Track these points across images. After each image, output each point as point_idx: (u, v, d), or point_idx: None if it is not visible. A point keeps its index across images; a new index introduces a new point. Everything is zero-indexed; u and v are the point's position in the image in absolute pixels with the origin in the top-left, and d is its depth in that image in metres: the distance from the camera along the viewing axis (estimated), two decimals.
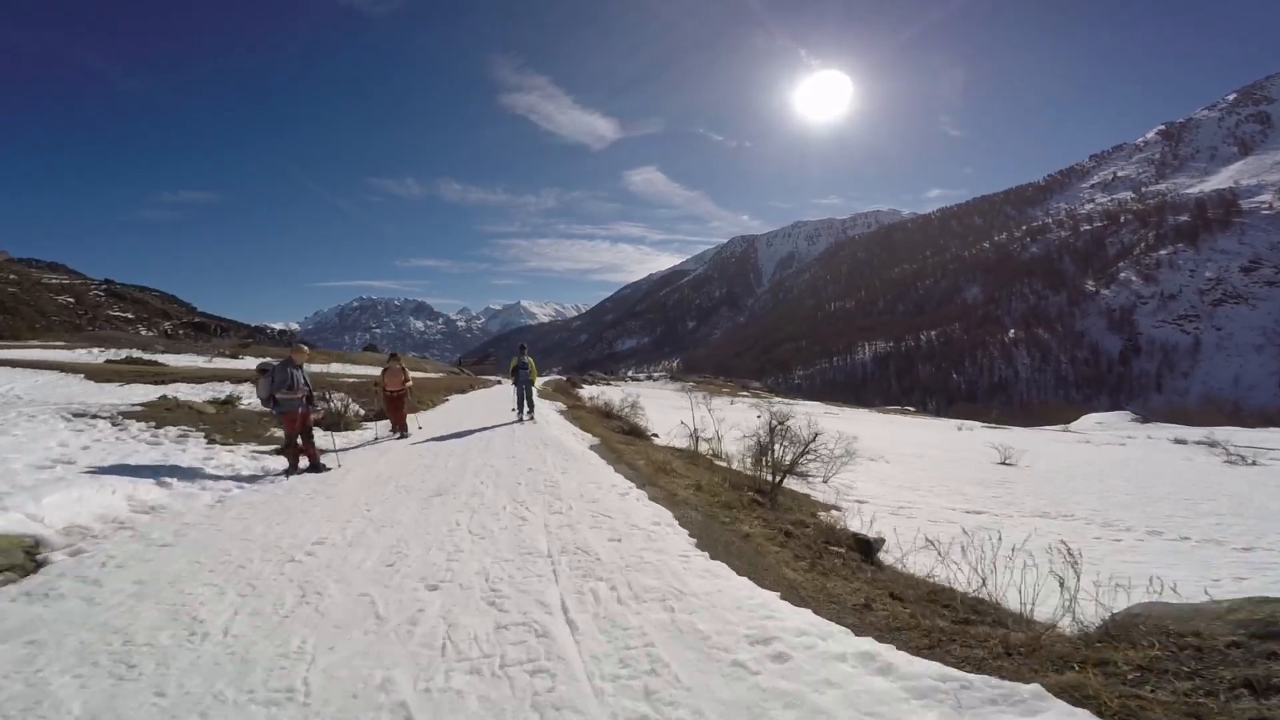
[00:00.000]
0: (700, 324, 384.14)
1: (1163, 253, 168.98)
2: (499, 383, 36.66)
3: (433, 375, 41.77)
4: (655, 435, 15.73)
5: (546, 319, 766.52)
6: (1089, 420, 43.79)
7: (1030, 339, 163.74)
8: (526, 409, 14.12)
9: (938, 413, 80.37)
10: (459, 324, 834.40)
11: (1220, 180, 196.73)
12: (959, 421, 40.78)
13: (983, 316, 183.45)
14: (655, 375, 76.42)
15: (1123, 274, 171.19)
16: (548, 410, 16.74)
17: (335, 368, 34.59)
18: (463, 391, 26.25)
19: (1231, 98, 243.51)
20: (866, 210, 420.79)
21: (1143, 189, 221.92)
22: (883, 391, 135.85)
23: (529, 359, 14.39)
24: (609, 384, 55.46)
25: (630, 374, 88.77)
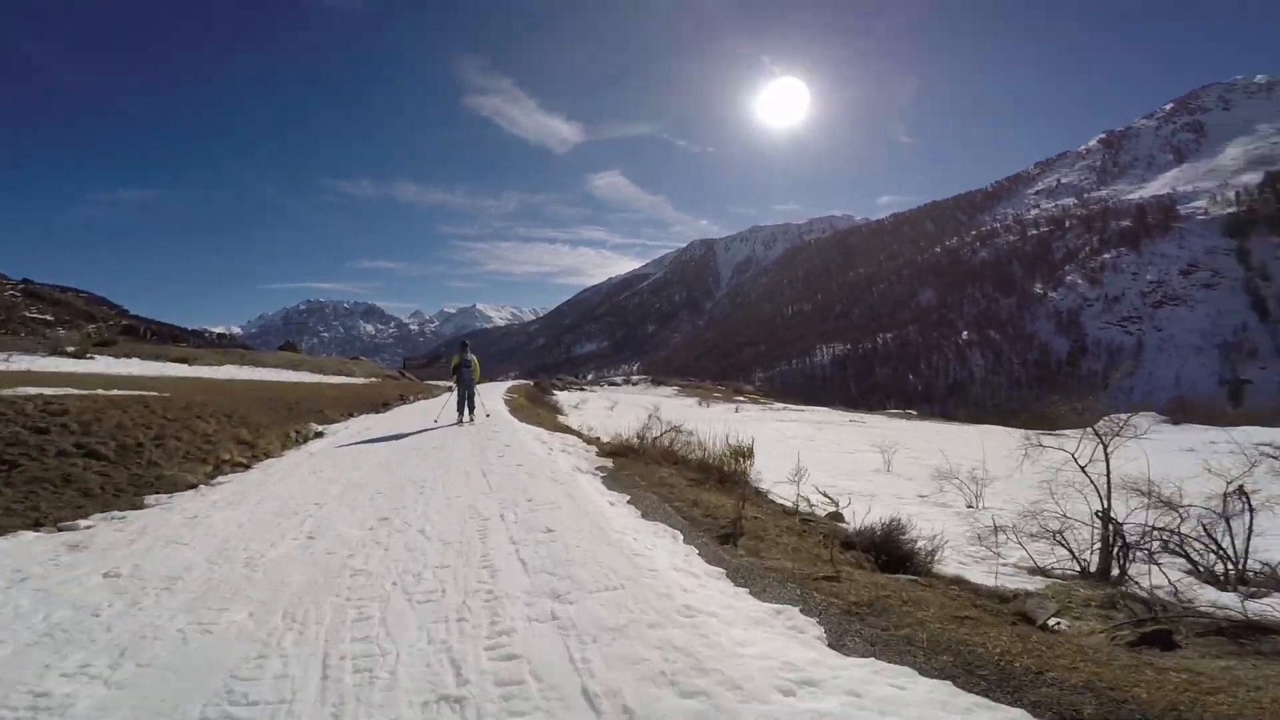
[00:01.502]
0: (660, 327, 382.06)
1: (1106, 256, 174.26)
2: (449, 389, 27.90)
3: (358, 381, 31.91)
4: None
5: (503, 322, 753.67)
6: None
7: (983, 341, 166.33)
8: (468, 411, 13.67)
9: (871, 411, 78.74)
10: (411, 327, 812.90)
11: (1157, 187, 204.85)
12: (969, 426, 36.89)
13: (937, 319, 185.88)
14: (634, 379, 68.10)
15: (1069, 277, 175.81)
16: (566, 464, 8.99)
17: (228, 371, 27.15)
18: (382, 408, 17.60)
19: (1168, 107, 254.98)
20: (822, 216, 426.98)
21: (1085, 195, 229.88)
22: (842, 394, 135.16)
23: (472, 357, 13.82)
24: (583, 389, 50.22)
25: (603, 378, 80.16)
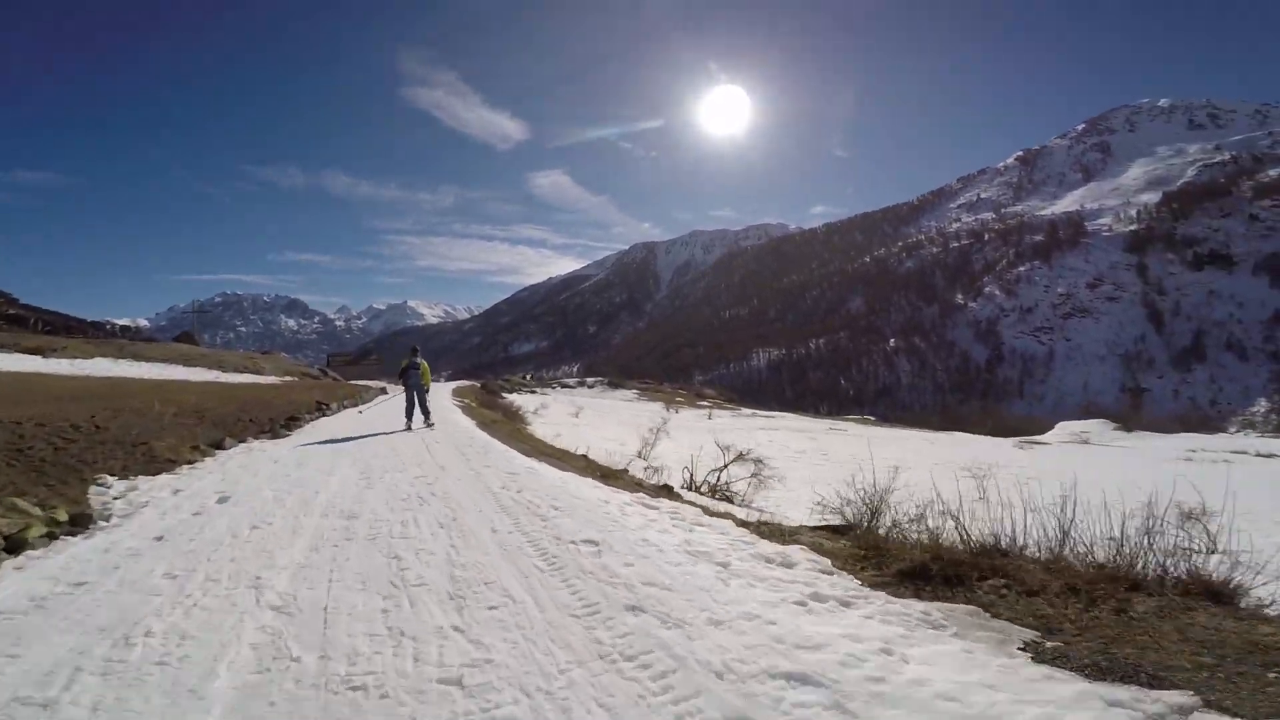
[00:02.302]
0: (601, 328, 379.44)
1: (1021, 269, 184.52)
2: (383, 392, 23.48)
3: (266, 380, 25.96)
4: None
5: (436, 320, 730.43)
6: (1067, 429, 37.20)
7: (909, 347, 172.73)
8: (422, 418, 13.07)
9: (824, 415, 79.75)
10: (338, 323, 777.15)
11: (1067, 204, 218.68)
12: (898, 430, 36.66)
13: (865, 326, 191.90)
14: (589, 381, 62.56)
15: (987, 288, 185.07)
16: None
17: (95, 366, 22.15)
18: (284, 427, 12.25)
19: (1080, 128, 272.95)
20: (757, 223, 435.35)
21: (1002, 210, 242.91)
22: (778, 396, 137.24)
23: (421, 360, 13.49)
24: (534, 391, 46.02)
25: (554, 379, 72.27)
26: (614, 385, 57.20)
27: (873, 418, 48.09)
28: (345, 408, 18.02)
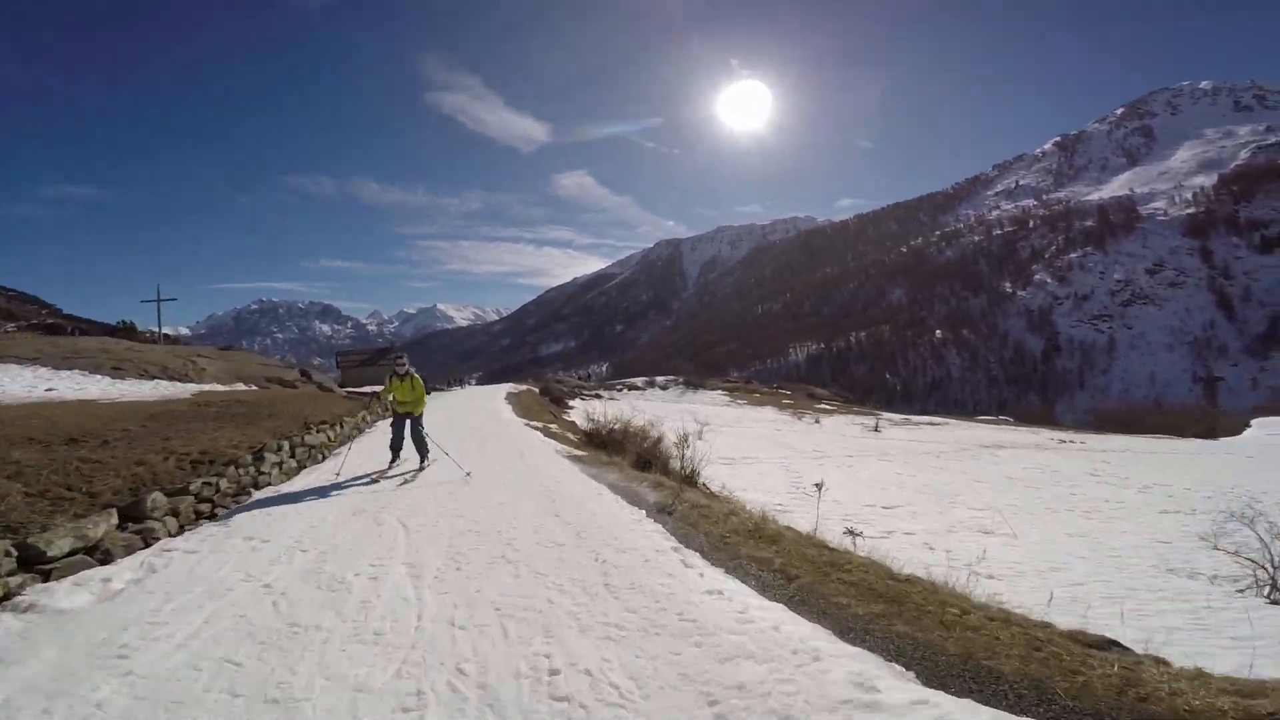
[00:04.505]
0: (628, 327, 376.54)
1: (1073, 255, 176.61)
2: (383, 412, 15.42)
3: (180, 394, 13.93)
4: None
5: (465, 322, 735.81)
6: (1266, 427, 28.86)
7: (957, 339, 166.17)
8: (418, 457, 9.33)
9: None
10: (369, 328, 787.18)
11: (1114, 188, 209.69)
12: (1054, 433, 29.04)
13: (908, 318, 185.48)
14: (660, 381, 51.02)
15: (1038, 276, 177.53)
16: None
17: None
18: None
19: (1119, 112, 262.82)
20: (785, 217, 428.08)
21: (1044, 196, 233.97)
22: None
23: (412, 370, 9.36)
24: (599, 395, 38.56)
25: (620, 382, 54.46)
26: (693, 386, 47.15)
27: (1009, 419, 41.50)
28: (311, 457, 9.98)
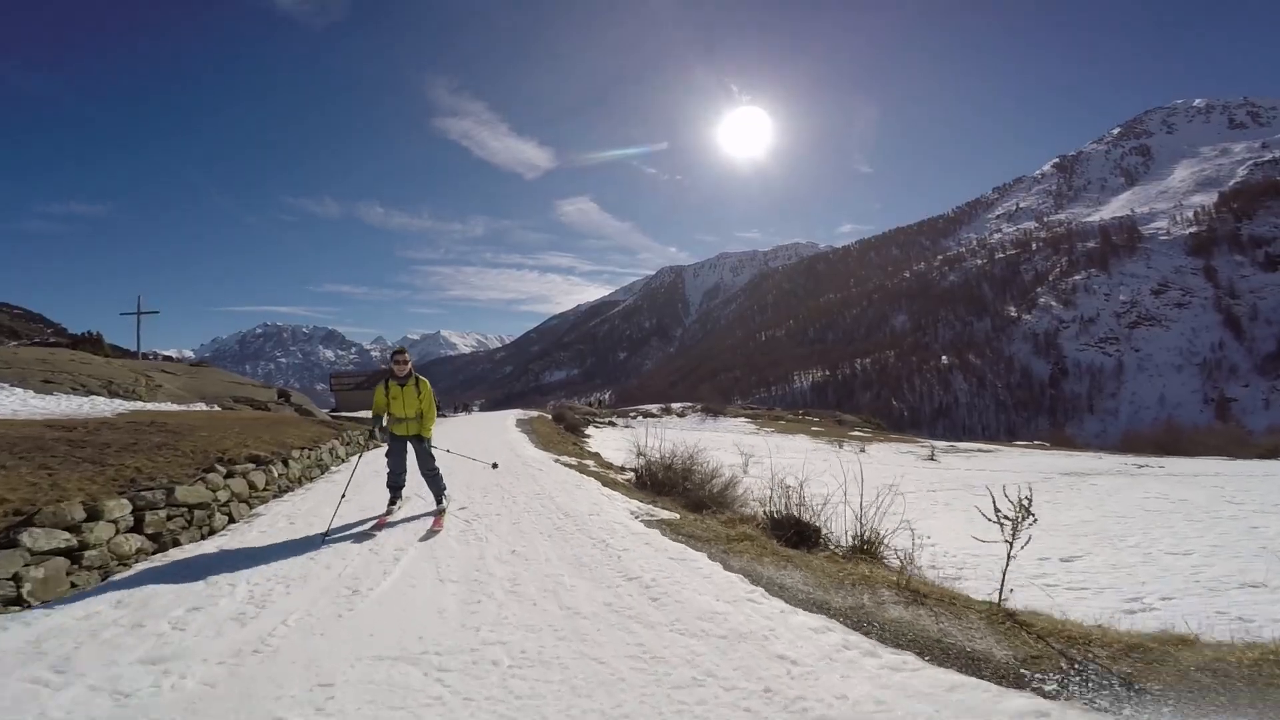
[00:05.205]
0: (631, 354, 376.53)
1: (1077, 278, 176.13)
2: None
3: (118, 413, 10.58)
4: None
5: (468, 349, 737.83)
6: None
7: (963, 364, 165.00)
8: (436, 497, 6.81)
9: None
10: (373, 354, 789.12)
11: (1114, 209, 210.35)
12: (1115, 457, 26.11)
13: (913, 343, 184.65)
14: (676, 408, 47.99)
15: (1042, 299, 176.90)
16: None
17: None
18: None
19: (1116, 132, 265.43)
20: (786, 242, 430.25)
21: (1045, 218, 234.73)
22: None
23: (420, 379, 6.73)
24: (614, 424, 36.08)
25: (632, 409, 50.31)
26: (713, 413, 45.38)
27: (1046, 442, 39.57)
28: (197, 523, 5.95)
